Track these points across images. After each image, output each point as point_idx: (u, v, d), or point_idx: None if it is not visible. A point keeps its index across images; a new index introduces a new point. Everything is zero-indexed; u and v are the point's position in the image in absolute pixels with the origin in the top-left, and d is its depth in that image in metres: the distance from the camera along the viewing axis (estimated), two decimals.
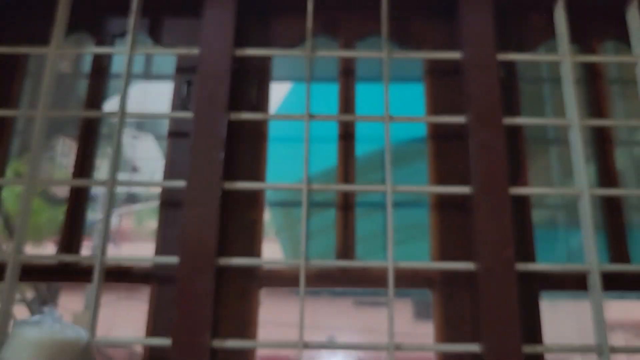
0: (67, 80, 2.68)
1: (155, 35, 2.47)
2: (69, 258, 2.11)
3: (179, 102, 2.35)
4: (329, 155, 2.37)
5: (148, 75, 2.62)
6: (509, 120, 2.17)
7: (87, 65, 2.52)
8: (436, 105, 2.35)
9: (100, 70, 2.47)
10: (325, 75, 2.52)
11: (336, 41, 2.47)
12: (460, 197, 2.21)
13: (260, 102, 2.36)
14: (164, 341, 1.94)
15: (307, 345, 1.91)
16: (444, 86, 2.37)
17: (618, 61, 2.45)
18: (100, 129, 2.44)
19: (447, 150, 2.29)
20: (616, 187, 2.26)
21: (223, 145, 2.10)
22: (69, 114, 2.32)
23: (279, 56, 2.43)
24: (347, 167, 2.30)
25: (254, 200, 2.25)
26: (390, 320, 1.93)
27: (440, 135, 2.31)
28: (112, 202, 2.12)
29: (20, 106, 2.44)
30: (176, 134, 2.34)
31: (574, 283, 2.14)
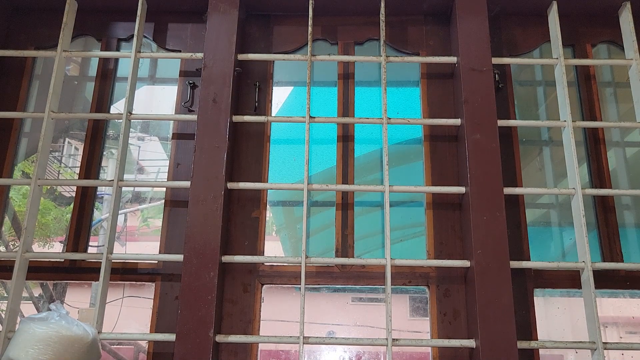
0: (74, 83, 2.71)
1: (160, 39, 2.51)
2: (76, 256, 2.16)
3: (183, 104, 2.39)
4: (328, 156, 2.39)
5: (153, 78, 2.65)
6: (503, 122, 2.21)
7: (93, 68, 2.54)
8: (432, 107, 2.39)
9: (107, 73, 2.52)
10: (325, 78, 2.54)
11: (335, 46, 2.52)
12: (455, 196, 2.25)
13: (262, 105, 2.40)
14: (169, 337, 1.98)
15: (307, 340, 1.95)
16: (440, 89, 2.41)
17: (611, 64, 2.50)
18: (107, 131, 2.47)
19: (442, 151, 2.33)
20: (608, 187, 2.30)
21: (226, 147, 2.14)
22: (76, 116, 2.37)
23: (280, 60, 2.47)
24: (346, 167, 2.34)
25: (256, 200, 2.29)
26: (388, 316, 1.97)
27: (436, 137, 2.35)
28: (118, 202, 2.17)
29: (28, 108, 2.49)
30: (181, 136, 2.38)
31: (567, 280, 2.18)
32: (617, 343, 2.00)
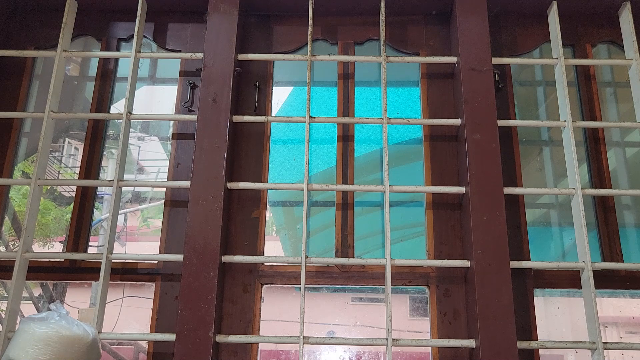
0: (74, 83, 2.70)
1: (160, 39, 2.51)
2: (76, 256, 2.16)
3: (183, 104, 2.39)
4: (328, 156, 2.39)
5: (153, 78, 2.65)
6: (503, 122, 2.21)
7: (93, 68, 2.54)
8: (432, 107, 2.39)
9: (107, 73, 2.52)
10: (325, 78, 2.54)
11: (335, 46, 2.52)
12: (455, 196, 2.25)
13: (262, 105, 2.40)
14: (169, 337, 1.98)
15: (307, 340, 1.95)
16: (440, 89, 2.41)
17: (611, 64, 2.50)
18: (107, 131, 2.47)
19: (442, 151, 2.33)
20: (608, 187, 2.30)
21: (226, 147, 2.14)
22: (76, 116, 2.36)
23: (280, 60, 2.47)
24: (346, 167, 2.34)
25: (256, 200, 2.29)
26: (388, 316, 1.97)
27: (436, 137, 2.35)
28: (118, 202, 2.17)
29: (28, 108, 2.49)
30: (181, 136, 2.38)
31: (567, 280, 2.18)
32: (617, 343, 2.00)
